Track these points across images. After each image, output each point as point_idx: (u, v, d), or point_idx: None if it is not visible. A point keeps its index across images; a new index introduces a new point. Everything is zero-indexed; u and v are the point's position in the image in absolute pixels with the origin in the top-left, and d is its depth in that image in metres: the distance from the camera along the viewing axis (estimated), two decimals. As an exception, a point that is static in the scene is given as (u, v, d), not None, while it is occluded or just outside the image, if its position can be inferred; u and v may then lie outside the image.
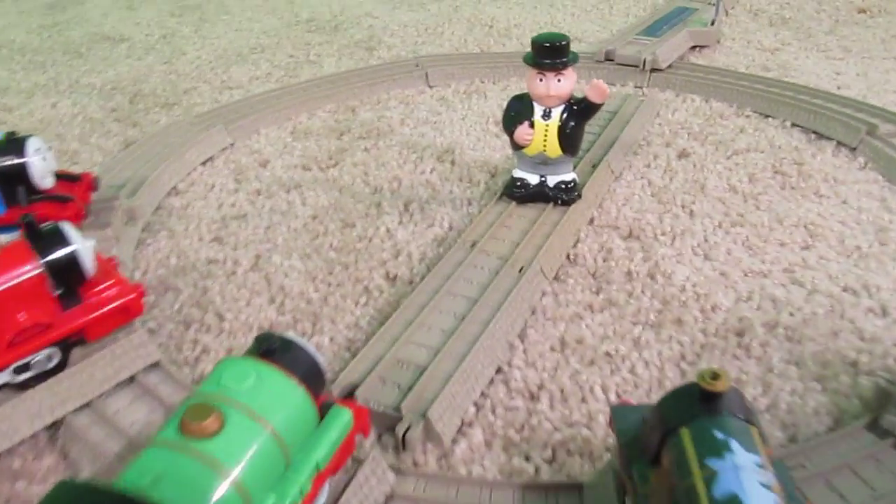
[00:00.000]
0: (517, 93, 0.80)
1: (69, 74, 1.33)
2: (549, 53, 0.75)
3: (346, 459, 0.48)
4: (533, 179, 0.81)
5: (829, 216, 0.82)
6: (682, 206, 0.84)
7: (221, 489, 0.37)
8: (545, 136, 0.77)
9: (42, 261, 0.59)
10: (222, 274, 0.76)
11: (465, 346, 0.62)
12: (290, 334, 0.46)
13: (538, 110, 0.77)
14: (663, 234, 0.79)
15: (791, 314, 0.68)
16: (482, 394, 0.61)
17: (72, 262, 0.60)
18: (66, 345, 0.61)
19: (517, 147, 0.79)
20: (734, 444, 0.39)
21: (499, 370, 0.63)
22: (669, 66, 1.19)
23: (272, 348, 0.44)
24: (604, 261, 0.76)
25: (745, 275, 0.73)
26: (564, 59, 0.75)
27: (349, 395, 0.59)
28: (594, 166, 0.89)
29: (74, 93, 1.25)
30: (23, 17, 1.72)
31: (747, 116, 1.07)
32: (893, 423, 0.55)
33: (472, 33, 1.45)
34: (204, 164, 0.99)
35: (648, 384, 0.61)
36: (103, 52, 1.44)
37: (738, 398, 0.42)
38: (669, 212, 0.83)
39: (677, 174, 0.91)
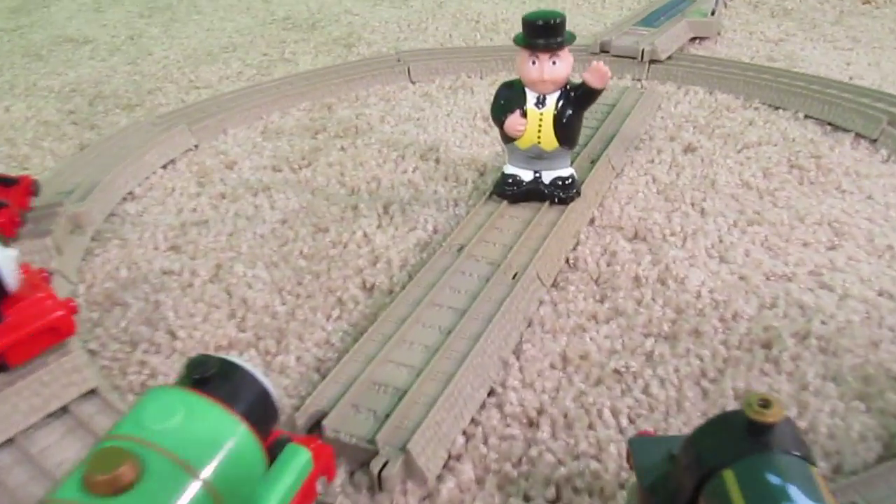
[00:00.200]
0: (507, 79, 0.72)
1: (26, 77, 1.24)
2: (543, 32, 0.66)
3: (305, 511, 0.39)
4: (526, 176, 0.72)
5: (855, 213, 0.74)
6: (692, 204, 0.76)
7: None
8: (539, 126, 0.69)
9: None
10: (177, 286, 0.68)
11: (451, 364, 0.54)
12: (233, 357, 0.37)
13: (531, 97, 0.69)
14: (673, 234, 0.71)
15: (823, 322, 0.59)
16: (472, 421, 0.52)
17: (-13, 274, 0.51)
18: (-16, 371, 0.52)
19: (508, 139, 0.71)
20: (793, 491, 0.30)
21: (491, 392, 0.54)
22: (669, 58, 1.11)
23: (207, 375, 0.35)
24: (608, 265, 0.67)
25: (768, 278, 0.65)
26: (560, 39, 0.67)
27: (316, 426, 0.50)
28: (593, 162, 0.81)
29: (30, 96, 1.16)
30: (-15, 20, 1.63)
31: (756, 108, 0.99)
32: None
33: (457, 29, 1.36)
34: (165, 167, 0.91)
35: (665, 406, 0.52)
36: (65, 54, 1.36)
37: (792, 430, 0.33)
38: (678, 210, 0.75)
39: (684, 170, 0.83)
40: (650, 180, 0.81)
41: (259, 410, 0.36)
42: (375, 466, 0.46)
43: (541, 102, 0.68)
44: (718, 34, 1.28)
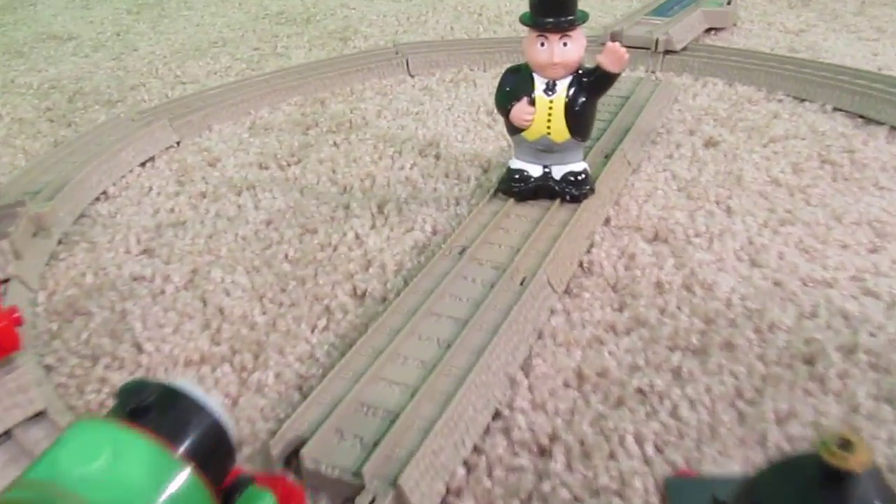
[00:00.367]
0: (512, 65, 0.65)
1: (5, 74, 1.18)
2: (552, 9, 0.60)
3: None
4: (535, 171, 0.65)
5: (897, 212, 0.67)
6: (717, 202, 0.69)
7: None
8: (549, 115, 0.62)
9: None
10: (147, 294, 0.61)
11: (451, 383, 0.47)
12: (181, 382, 0.30)
13: (540, 83, 0.62)
14: (697, 235, 0.64)
15: (871, 334, 0.53)
16: (475, 449, 0.45)
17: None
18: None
19: (515, 130, 0.64)
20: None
21: (496, 415, 0.47)
22: (684, 49, 1.04)
23: (144, 405, 0.28)
24: (626, 269, 0.60)
25: (805, 284, 0.58)
26: (571, 18, 0.60)
27: (294, 455, 0.43)
28: (607, 156, 0.74)
29: (7, 93, 1.09)
30: (-32, 18, 1.57)
31: (780, 101, 0.92)
32: None
33: (459, 21, 1.30)
34: (143, 164, 0.84)
35: (697, 432, 0.45)
36: (47, 51, 1.29)
37: (879, 479, 0.26)
38: (702, 209, 0.68)
39: (706, 165, 0.76)
40: (669, 176, 0.74)
41: (209, 449, 0.29)
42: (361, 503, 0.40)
43: (550, 89, 0.62)
44: (735, 25, 1.21)
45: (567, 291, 0.58)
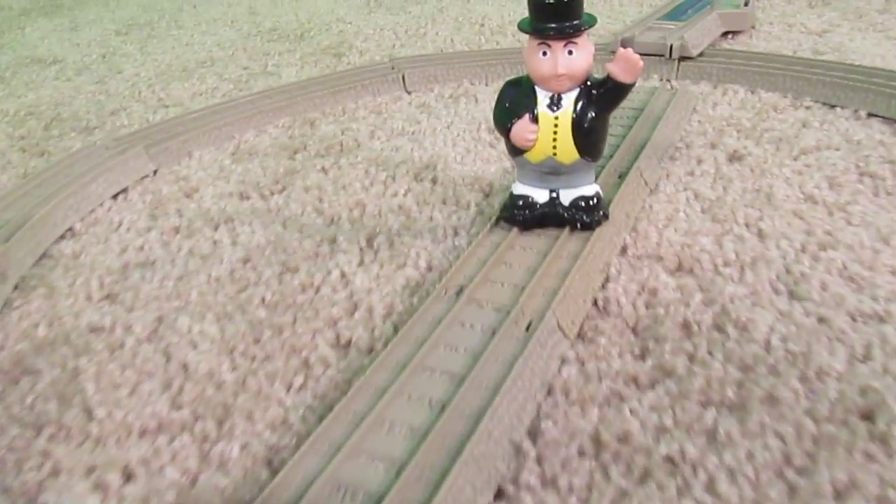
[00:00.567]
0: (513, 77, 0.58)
1: (-18, 101, 1.12)
2: (555, 14, 0.52)
3: None
4: (541, 196, 0.58)
5: (951, 230, 0.60)
6: (747, 225, 0.62)
7: None
8: (554, 133, 0.55)
9: None
10: (105, 348, 0.54)
11: (445, 456, 0.40)
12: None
13: (543, 98, 0.55)
14: (726, 264, 0.57)
15: (939, 379, 0.45)
16: (474, 539, 0.37)
17: None
18: None
19: (516, 151, 0.56)
20: None
21: (499, 494, 0.40)
22: (701, 54, 0.96)
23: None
24: (647, 307, 0.53)
25: (854, 319, 0.51)
26: (576, 22, 0.52)
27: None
28: (621, 176, 0.66)
29: (-18, 121, 1.03)
30: (-47, 44, 1.52)
31: (808, 107, 0.84)
32: None
33: (459, 33, 1.23)
34: (115, 197, 0.77)
35: (741, 511, 0.38)
36: (29, 75, 1.23)
37: None
38: (730, 233, 0.61)
39: (732, 182, 0.68)
40: (692, 196, 0.66)
41: None
42: None
43: (555, 104, 0.54)
44: (753, 27, 1.13)
45: (580, 336, 0.51)
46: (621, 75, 0.53)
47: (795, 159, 0.72)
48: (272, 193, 0.74)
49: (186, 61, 1.21)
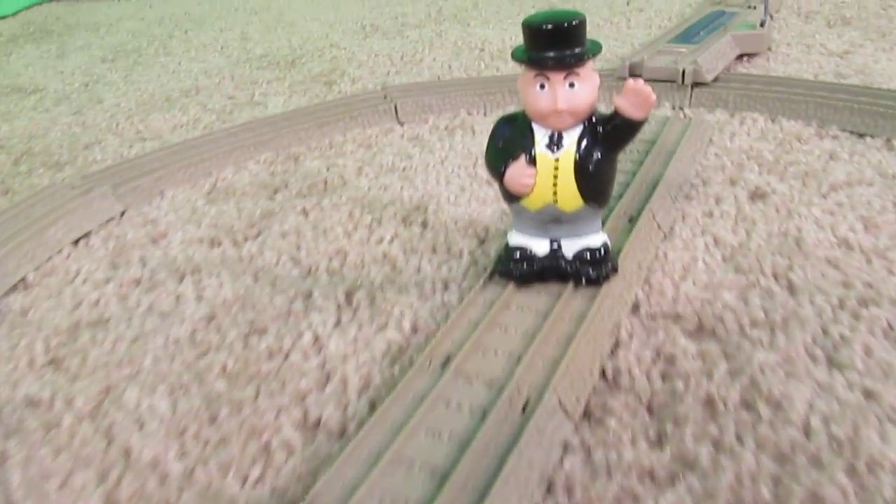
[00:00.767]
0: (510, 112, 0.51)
1: (-47, 134, 1.05)
2: (554, 41, 0.45)
3: None
4: (540, 247, 0.51)
5: None
6: (775, 276, 0.54)
7: None
8: (555, 177, 0.48)
9: None
10: (40, 426, 0.47)
11: (420, 583, 0.32)
12: None
13: (542, 137, 0.48)
14: (754, 324, 0.49)
15: None
16: None
17: None
18: None
19: (512, 198, 0.49)
20: None
21: None
22: (716, 79, 0.89)
23: None
24: (664, 379, 0.45)
25: (908, 393, 0.43)
26: (579, 50, 0.45)
27: None
28: (632, 220, 0.59)
29: (-52, 156, 0.97)
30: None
31: (834, 137, 0.77)
32: None
33: (458, 58, 1.16)
34: (77, 241, 0.70)
35: None
36: (7, 105, 1.17)
37: None
38: (756, 286, 0.53)
39: (755, 225, 0.61)
40: (711, 242, 0.59)
41: None
42: None
43: (556, 143, 0.47)
44: (770, 49, 1.06)
45: (586, 415, 0.43)
46: (631, 110, 0.46)
47: (825, 197, 0.65)
48: (246, 239, 0.67)
49: (170, 90, 1.15)
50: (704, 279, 0.54)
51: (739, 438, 0.41)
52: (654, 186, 0.64)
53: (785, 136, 0.78)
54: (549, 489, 0.39)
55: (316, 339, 0.52)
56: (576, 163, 0.47)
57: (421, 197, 0.71)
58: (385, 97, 0.95)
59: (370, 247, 0.63)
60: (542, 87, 0.46)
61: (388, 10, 1.63)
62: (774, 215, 0.62)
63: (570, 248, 0.50)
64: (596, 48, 0.46)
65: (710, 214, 0.63)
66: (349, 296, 0.56)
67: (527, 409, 0.41)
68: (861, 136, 0.77)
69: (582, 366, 0.45)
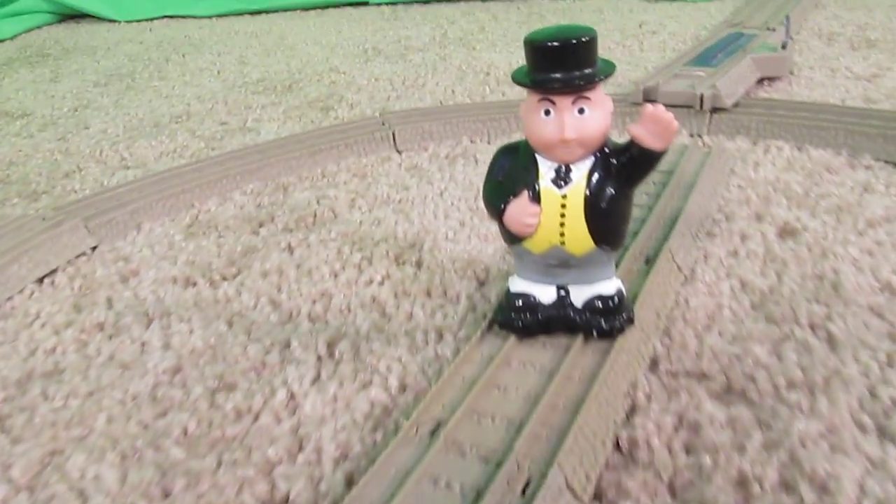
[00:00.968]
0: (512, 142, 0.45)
1: (-69, 161, 1.00)
2: (560, 61, 0.40)
3: None
4: (545, 295, 0.45)
5: None
6: (812, 327, 0.48)
7: None
8: (562, 216, 0.42)
9: None
10: (-32, 502, 0.41)
11: None
12: None
13: (547, 170, 0.42)
14: (791, 385, 0.43)
15: None
16: None
17: None
18: None
19: (513, 239, 0.43)
20: None
21: None
22: (736, 105, 0.83)
23: None
24: (688, 452, 0.39)
25: (975, 472, 0.37)
26: (589, 72, 0.40)
27: None
28: (648, 261, 0.53)
29: (-78, 184, 0.91)
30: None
31: (868, 167, 0.71)
32: None
33: (462, 83, 1.11)
34: (41, 280, 0.65)
35: None
36: (-10, 131, 1.12)
37: None
38: (791, 338, 0.47)
39: (787, 266, 0.55)
40: (738, 286, 0.53)
41: None
42: None
43: (563, 178, 0.41)
44: (792, 73, 1.00)
45: (597, 497, 0.37)
46: (649, 140, 0.40)
47: (861, 234, 0.59)
48: (223, 279, 0.61)
49: (160, 116, 1.10)
50: (732, 330, 0.48)
51: (781, 530, 0.34)
52: (673, 223, 0.58)
53: (814, 166, 0.72)
54: None
55: (291, 397, 0.46)
56: (586, 200, 0.41)
57: (416, 232, 0.65)
58: (383, 124, 0.89)
59: (358, 289, 0.57)
60: (548, 113, 0.40)
61: (391, 33, 1.58)
62: (807, 255, 0.56)
63: (579, 295, 0.44)
64: (609, 69, 0.41)
65: (736, 254, 0.57)
66: (331, 346, 0.50)
67: (527, 491, 0.35)
68: (896, 165, 0.71)
69: (593, 436, 0.39)
